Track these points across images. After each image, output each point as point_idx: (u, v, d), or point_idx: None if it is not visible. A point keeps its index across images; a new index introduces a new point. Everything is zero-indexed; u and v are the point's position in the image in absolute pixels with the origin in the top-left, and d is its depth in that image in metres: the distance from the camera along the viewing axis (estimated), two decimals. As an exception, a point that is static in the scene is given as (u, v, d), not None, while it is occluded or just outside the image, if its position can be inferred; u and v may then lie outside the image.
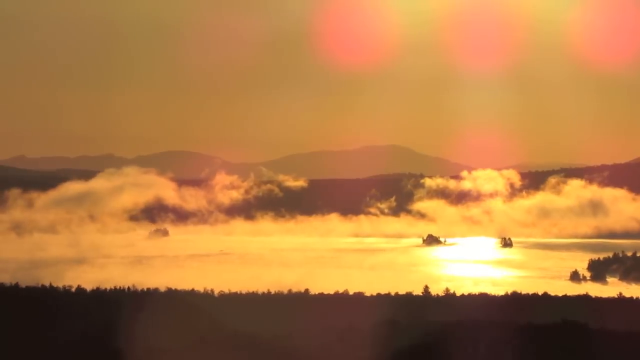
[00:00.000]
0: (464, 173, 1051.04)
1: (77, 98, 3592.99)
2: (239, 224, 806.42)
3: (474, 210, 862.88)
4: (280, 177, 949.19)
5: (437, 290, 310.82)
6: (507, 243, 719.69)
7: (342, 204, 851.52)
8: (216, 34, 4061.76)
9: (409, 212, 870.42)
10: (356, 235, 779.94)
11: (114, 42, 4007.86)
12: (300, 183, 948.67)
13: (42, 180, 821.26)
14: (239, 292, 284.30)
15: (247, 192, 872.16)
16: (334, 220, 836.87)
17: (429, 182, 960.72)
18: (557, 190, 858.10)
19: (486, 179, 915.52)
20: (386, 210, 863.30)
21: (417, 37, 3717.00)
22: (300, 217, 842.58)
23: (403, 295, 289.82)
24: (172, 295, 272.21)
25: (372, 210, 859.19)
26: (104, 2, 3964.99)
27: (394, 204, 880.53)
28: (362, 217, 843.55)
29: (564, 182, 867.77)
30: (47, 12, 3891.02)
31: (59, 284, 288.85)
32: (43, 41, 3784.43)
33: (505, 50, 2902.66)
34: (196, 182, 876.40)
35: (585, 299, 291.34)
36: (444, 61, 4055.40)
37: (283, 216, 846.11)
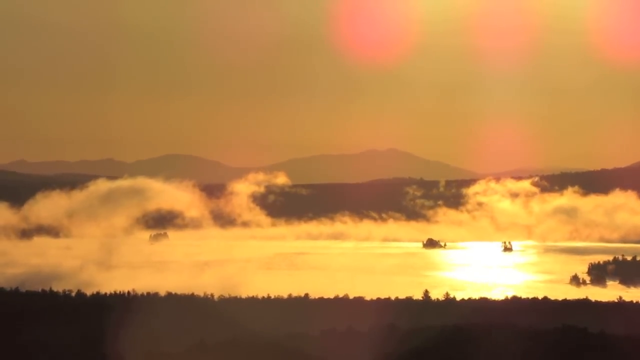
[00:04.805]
0: (464, 177, 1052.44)
1: (76, 102, 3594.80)
2: (238, 229, 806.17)
3: (474, 214, 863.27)
4: (280, 182, 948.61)
5: (437, 294, 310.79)
6: (507, 247, 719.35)
7: (341, 208, 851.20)
8: (217, 38, 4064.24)
9: (408, 216, 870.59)
10: (356, 239, 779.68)
11: (114, 46, 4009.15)
12: (300, 188, 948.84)
13: (42, 184, 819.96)
14: (238, 296, 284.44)
15: (246, 196, 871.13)
16: (333, 225, 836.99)
17: (428, 186, 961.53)
18: (557, 194, 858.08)
19: (487, 184, 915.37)
20: (385, 215, 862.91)
21: (422, 40, 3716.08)
22: (300, 222, 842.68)
23: (403, 299, 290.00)
24: (172, 300, 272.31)
25: (372, 214, 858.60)
26: (103, 4, 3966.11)
27: (393, 208, 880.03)
28: (362, 221, 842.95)
29: (565, 187, 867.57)
30: (47, 16, 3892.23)
31: (59, 288, 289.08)
32: (43, 45, 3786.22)
33: (513, 54, 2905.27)
34: (196, 187, 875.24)
35: (585, 303, 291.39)
36: (446, 65, 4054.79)
37: (284, 221, 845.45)
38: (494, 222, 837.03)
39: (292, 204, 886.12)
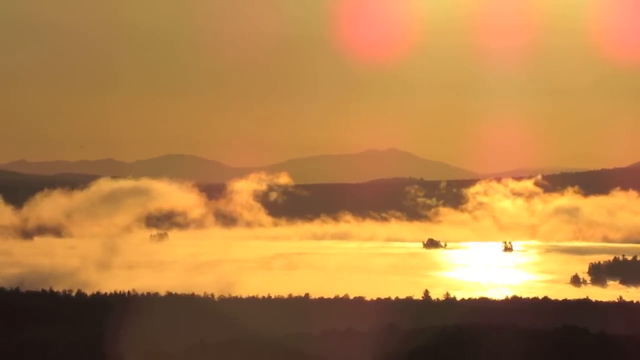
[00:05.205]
0: (465, 177, 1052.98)
1: (76, 102, 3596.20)
2: (239, 229, 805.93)
3: (475, 214, 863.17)
4: (282, 182, 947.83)
5: (437, 294, 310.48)
6: (508, 247, 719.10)
7: (343, 208, 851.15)
8: (217, 38, 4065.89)
9: (410, 216, 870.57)
10: (359, 240, 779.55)
11: (114, 46, 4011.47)
12: (302, 188, 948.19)
13: (42, 184, 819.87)
14: (239, 296, 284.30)
15: (248, 196, 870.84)
16: (336, 225, 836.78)
17: (430, 186, 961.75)
18: (558, 194, 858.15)
19: (488, 184, 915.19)
20: (387, 215, 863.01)
21: (423, 40, 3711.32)
22: (302, 222, 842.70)
23: (403, 299, 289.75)
24: (172, 300, 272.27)
25: (374, 214, 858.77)
26: (103, 4, 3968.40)
27: (394, 208, 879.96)
28: (364, 221, 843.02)
29: (566, 187, 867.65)
30: (47, 16, 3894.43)
31: (59, 288, 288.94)
32: (43, 45, 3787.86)
33: (514, 54, 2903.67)
34: (196, 187, 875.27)
35: (585, 303, 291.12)
36: (447, 65, 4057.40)
37: (285, 221, 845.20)
38: (495, 222, 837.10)
39: (293, 204, 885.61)
